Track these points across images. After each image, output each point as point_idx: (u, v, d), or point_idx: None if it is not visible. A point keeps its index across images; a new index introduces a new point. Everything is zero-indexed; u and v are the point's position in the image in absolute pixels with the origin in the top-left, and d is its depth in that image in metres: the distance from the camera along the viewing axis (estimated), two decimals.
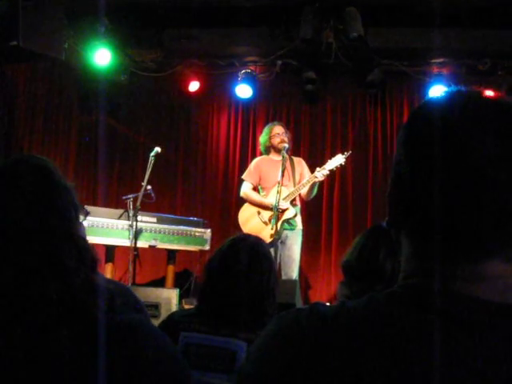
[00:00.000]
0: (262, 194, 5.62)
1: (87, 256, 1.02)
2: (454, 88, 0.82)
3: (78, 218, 1.06)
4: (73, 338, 0.93)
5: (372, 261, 1.83)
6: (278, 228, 5.12)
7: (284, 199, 5.24)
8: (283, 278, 5.34)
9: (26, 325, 0.93)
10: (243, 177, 5.81)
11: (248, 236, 2.32)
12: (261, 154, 6.01)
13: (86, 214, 1.11)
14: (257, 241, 2.27)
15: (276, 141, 5.61)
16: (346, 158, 5.40)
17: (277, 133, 5.65)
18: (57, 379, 0.91)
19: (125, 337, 0.97)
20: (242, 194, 5.73)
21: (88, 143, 7.21)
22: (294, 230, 5.44)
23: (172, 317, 2.22)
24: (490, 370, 0.69)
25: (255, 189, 5.72)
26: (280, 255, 5.38)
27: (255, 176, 5.69)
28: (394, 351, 0.71)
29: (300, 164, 5.67)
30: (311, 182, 5.33)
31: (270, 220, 5.32)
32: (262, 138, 5.78)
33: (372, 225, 2.08)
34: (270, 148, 5.70)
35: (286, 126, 6.04)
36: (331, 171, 5.39)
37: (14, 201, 0.98)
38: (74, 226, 1.03)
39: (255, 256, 2.16)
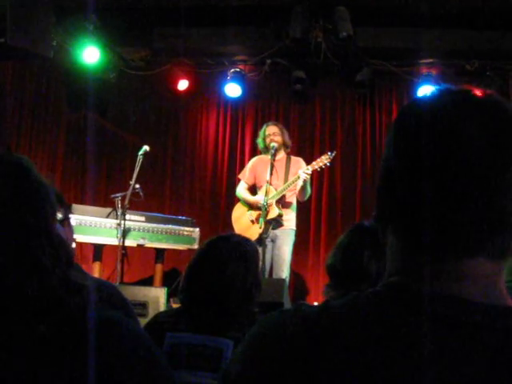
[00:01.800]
0: (258, 193, 5.64)
1: (63, 253, 1.01)
2: (442, 86, 0.82)
3: (54, 216, 1.06)
4: (50, 335, 0.93)
5: (356, 262, 1.80)
6: (265, 227, 5.15)
7: (271, 199, 5.26)
8: (274, 277, 5.34)
9: (1, 322, 0.92)
10: (239, 176, 5.95)
11: (230, 235, 2.28)
12: (250, 153, 6.04)
13: (66, 210, 1.10)
14: (239, 240, 2.23)
15: (268, 141, 5.64)
16: (332, 158, 5.40)
17: (268, 133, 5.68)
18: (34, 375, 0.91)
19: (102, 333, 0.96)
20: (236, 192, 5.84)
21: (75, 141, 7.17)
22: (278, 228, 5.43)
23: (157, 317, 2.21)
24: (478, 372, 0.69)
25: (251, 188, 5.76)
26: (271, 255, 5.40)
27: (250, 176, 5.74)
28: (380, 351, 0.71)
29: (297, 164, 5.63)
30: (295, 182, 5.34)
31: (257, 219, 5.37)
32: (258, 139, 5.83)
33: (354, 224, 2.04)
34: (266, 148, 5.73)
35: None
36: (315, 171, 5.41)
37: None
38: (49, 223, 1.02)
39: (230, 255, 2.12)
